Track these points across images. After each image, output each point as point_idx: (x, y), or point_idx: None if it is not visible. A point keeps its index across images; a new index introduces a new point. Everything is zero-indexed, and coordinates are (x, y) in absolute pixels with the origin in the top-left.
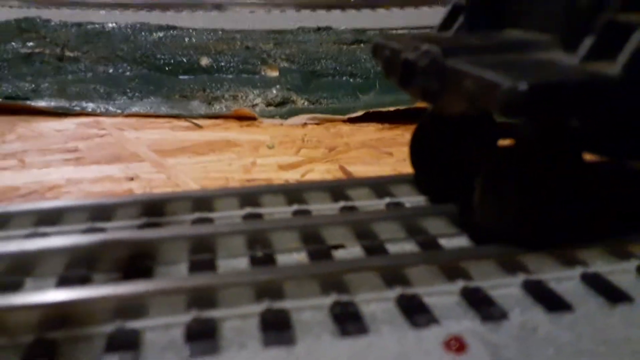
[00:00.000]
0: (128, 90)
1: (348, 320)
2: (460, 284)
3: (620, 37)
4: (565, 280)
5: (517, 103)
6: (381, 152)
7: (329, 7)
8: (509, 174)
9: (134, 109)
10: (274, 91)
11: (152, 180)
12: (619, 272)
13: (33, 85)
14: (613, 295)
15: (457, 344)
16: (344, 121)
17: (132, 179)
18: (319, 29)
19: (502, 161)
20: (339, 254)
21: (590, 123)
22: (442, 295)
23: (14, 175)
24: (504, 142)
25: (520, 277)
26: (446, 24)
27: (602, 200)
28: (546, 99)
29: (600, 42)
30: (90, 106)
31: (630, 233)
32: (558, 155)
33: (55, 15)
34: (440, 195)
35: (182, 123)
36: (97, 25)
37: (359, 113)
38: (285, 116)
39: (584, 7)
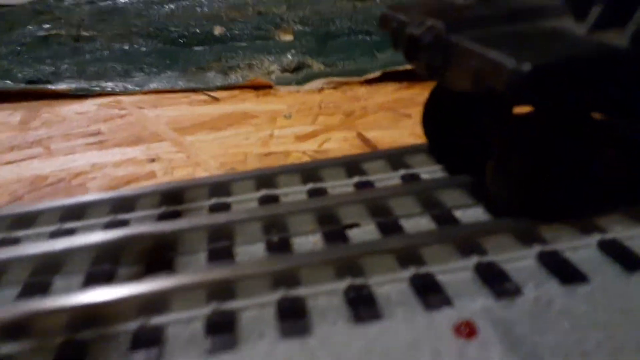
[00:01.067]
0: (145, 66)
1: (362, 305)
2: (474, 259)
3: (629, 5)
4: (581, 249)
5: (523, 84)
6: (399, 115)
7: None
8: (522, 145)
9: (152, 85)
10: (289, 56)
11: (172, 160)
12: (637, 237)
13: (53, 68)
14: (630, 262)
15: (467, 329)
16: (361, 83)
17: (153, 160)
18: None
19: (515, 133)
20: (353, 233)
21: (601, 93)
22: (455, 273)
23: (41, 164)
24: (519, 111)
25: (536, 249)
26: None
27: (618, 166)
28: (552, 79)
29: (609, 10)
30: (109, 85)
31: None
32: (571, 125)
33: None
34: (456, 164)
35: (200, 96)
36: (109, 2)
37: (377, 74)
38: (301, 82)
39: None
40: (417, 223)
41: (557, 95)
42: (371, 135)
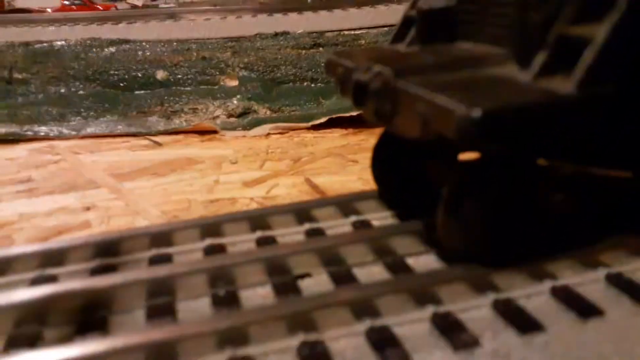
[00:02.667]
0: (82, 110)
1: None
2: (430, 309)
3: (573, 52)
4: (535, 296)
5: (472, 130)
6: (346, 160)
7: (285, 10)
8: (471, 192)
9: (90, 130)
10: (235, 101)
11: (109, 208)
12: (589, 283)
13: None
14: (583, 309)
15: None
16: (308, 129)
17: (88, 208)
18: (276, 34)
19: (464, 179)
20: (305, 284)
21: (551, 139)
22: (412, 324)
23: None
24: (466, 157)
25: (490, 297)
26: (399, 36)
27: (567, 211)
28: (501, 125)
29: (553, 57)
30: (43, 130)
31: (598, 241)
32: (518, 170)
33: (2, 35)
34: (407, 210)
35: (141, 141)
36: (45, 45)
37: (322, 120)
38: (247, 127)
39: (536, 21)
40: (370, 272)
41: (506, 140)
42: (319, 181)
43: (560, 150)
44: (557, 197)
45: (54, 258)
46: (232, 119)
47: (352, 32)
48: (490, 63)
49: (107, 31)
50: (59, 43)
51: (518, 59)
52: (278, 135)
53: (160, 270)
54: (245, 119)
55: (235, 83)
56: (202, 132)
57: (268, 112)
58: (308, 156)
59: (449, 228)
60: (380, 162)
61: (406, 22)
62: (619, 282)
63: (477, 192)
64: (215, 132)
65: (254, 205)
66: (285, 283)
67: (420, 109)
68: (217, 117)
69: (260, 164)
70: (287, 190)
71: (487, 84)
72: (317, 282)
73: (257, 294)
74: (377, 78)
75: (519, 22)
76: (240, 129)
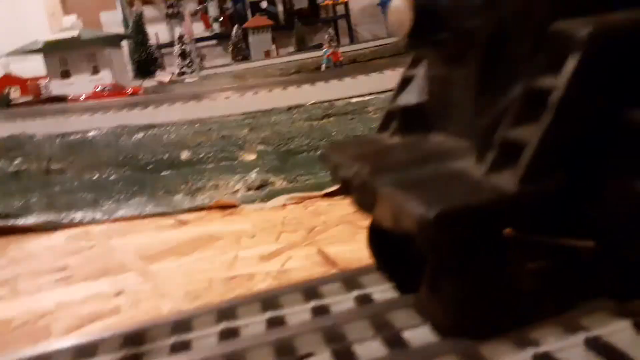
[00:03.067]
0: (113, 194)
1: None
2: None
3: (516, 152)
4: None
5: (430, 229)
6: (357, 227)
7: (299, 82)
8: (449, 269)
9: (120, 213)
10: (253, 175)
11: (138, 292)
12: (569, 348)
13: (22, 202)
14: None
15: None
16: (322, 197)
17: (119, 294)
18: (289, 108)
19: (442, 258)
20: None
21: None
22: None
23: (7, 306)
24: None
25: None
26: (384, 126)
27: (544, 279)
28: (454, 222)
29: (499, 156)
30: (78, 216)
31: (577, 305)
32: (492, 246)
33: (39, 126)
34: (404, 283)
35: (167, 221)
36: (79, 135)
37: (334, 187)
38: (265, 199)
39: (484, 125)
40: (369, 348)
41: (461, 236)
42: (331, 250)
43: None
44: (530, 267)
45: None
46: (251, 192)
47: (362, 99)
48: (453, 157)
49: (136, 116)
50: (91, 133)
51: (477, 153)
52: (294, 205)
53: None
54: (263, 191)
55: (253, 157)
56: (223, 207)
57: (284, 183)
58: (321, 225)
59: (432, 305)
60: (374, 240)
61: (389, 115)
62: (596, 345)
63: (452, 271)
64: (235, 206)
65: (269, 281)
66: None
67: (391, 207)
68: (237, 191)
69: (277, 237)
70: (301, 262)
71: (445, 182)
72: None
73: None
74: (357, 176)
75: (473, 124)
76: (258, 201)
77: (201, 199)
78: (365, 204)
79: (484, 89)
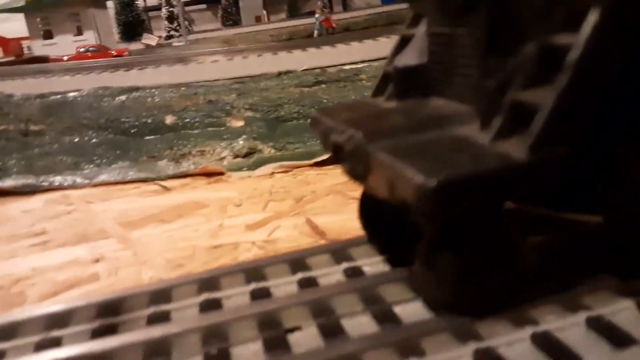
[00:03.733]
0: (95, 158)
1: None
2: None
3: (526, 116)
4: (516, 343)
5: (430, 199)
6: (347, 198)
7: (290, 48)
8: (446, 243)
9: (102, 178)
10: (241, 142)
11: (118, 259)
12: (569, 327)
13: (0, 164)
14: (563, 356)
15: None
16: (311, 166)
17: (97, 260)
18: (280, 74)
19: (438, 231)
20: (294, 338)
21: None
22: None
23: None
24: None
25: (471, 347)
26: (379, 89)
27: (547, 255)
28: (457, 192)
29: (509, 120)
30: (57, 180)
31: (579, 283)
32: (492, 220)
33: (19, 86)
34: (396, 256)
35: (150, 187)
36: (59, 96)
37: (325, 157)
38: (252, 167)
39: (491, 88)
40: (359, 322)
41: (464, 206)
42: (320, 221)
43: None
44: (533, 241)
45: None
46: (238, 159)
47: (354, 67)
48: (455, 123)
49: (120, 78)
50: (71, 94)
51: (481, 119)
52: (282, 174)
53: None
54: (250, 159)
55: (241, 123)
56: (209, 175)
57: (272, 151)
58: (310, 195)
59: (426, 280)
60: (366, 211)
61: (385, 78)
62: (598, 325)
63: (451, 244)
64: (222, 173)
65: (255, 250)
66: (275, 337)
67: (386, 174)
68: (224, 158)
69: (264, 205)
70: (288, 232)
71: (447, 149)
72: (306, 336)
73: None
74: (350, 141)
75: (478, 86)
76: (245, 169)
77: (186, 165)
78: (357, 171)
79: (491, 47)
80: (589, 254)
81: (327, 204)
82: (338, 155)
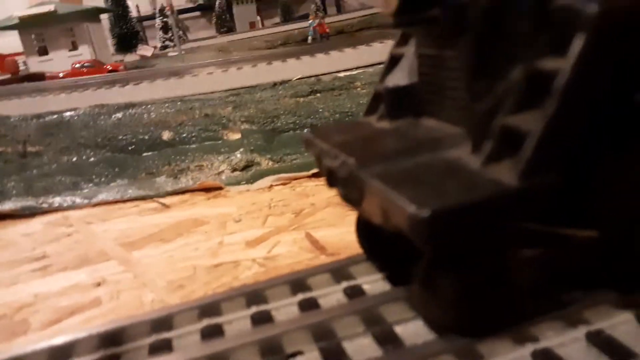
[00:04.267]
0: (93, 177)
1: None
2: None
3: (516, 141)
4: None
5: (423, 228)
6: (345, 210)
7: (284, 57)
8: (442, 266)
9: (101, 197)
10: (238, 155)
11: (118, 282)
12: (569, 343)
13: None
14: None
15: None
16: (309, 177)
17: (99, 284)
18: (275, 84)
19: (435, 255)
20: None
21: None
22: None
23: None
24: None
25: None
26: (371, 109)
27: (545, 271)
28: (449, 221)
29: (499, 145)
30: (57, 201)
31: (578, 299)
32: (487, 245)
33: (15, 106)
34: (395, 274)
35: (150, 204)
36: (55, 116)
37: None
38: (251, 180)
39: (481, 111)
40: (360, 345)
41: (457, 233)
42: (320, 235)
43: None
44: (530, 257)
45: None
46: (237, 173)
47: (349, 74)
48: (447, 145)
49: (115, 94)
50: (68, 114)
51: (472, 142)
52: (281, 186)
53: None
54: (248, 172)
55: (237, 136)
56: (208, 190)
57: (270, 163)
58: (309, 208)
59: (425, 301)
60: (363, 229)
61: (376, 97)
62: (598, 339)
63: (448, 265)
64: (220, 188)
65: (255, 268)
66: None
67: (380, 202)
68: (222, 172)
69: (263, 220)
70: (288, 248)
71: (439, 175)
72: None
73: None
74: (343, 167)
75: (468, 109)
76: (244, 182)
77: (185, 180)
78: (352, 197)
79: (479, 71)
80: (587, 268)
81: (326, 217)
82: (332, 180)
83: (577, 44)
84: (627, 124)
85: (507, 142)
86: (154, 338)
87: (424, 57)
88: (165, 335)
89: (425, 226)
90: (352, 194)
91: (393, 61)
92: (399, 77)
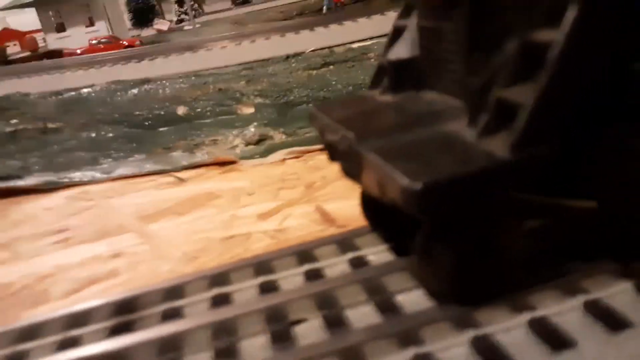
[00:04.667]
0: (112, 152)
1: None
2: (412, 351)
3: (510, 114)
4: (513, 330)
5: (416, 201)
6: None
7: (297, 28)
8: (442, 234)
9: (119, 171)
10: (252, 129)
11: (136, 254)
12: (566, 312)
13: (22, 163)
14: (559, 341)
15: None
16: (321, 150)
17: (117, 256)
18: (287, 57)
19: (432, 226)
20: (299, 331)
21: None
22: None
23: (7, 270)
24: None
25: (469, 334)
26: (375, 81)
27: (543, 241)
28: (442, 193)
29: (494, 118)
30: (77, 176)
31: (578, 267)
32: (483, 214)
33: (35, 83)
34: (399, 245)
35: (166, 178)
36: (73, 93)
37: None
38: (264, 154)
39: (477, 86)
40: (362, 313)
41: (451, 206)
42: (330, 207)
43: (510, 203)
44: (528, 227)
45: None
46: (250, 147)
47: (362, 44)
48: (445, 119)
49: (132, 70)
50: (85, 90)
51: (469, 115)
52: (293, 160)
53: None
54: (262, 146)
55: (251, 110)
56: (222, 164)
57: (283, 137)
58: (320, 181)
59: (424, 270)
60: (368, 202)
61: (380, 70)
62: (595, 309)
63: (445, 236)
64: (234, 162)
65: (266, 240)
66: (280, 331)
67: (376, 175)
68: (236, 146)
69: (275, 193)
70: (299, 221)
71: (435, 149)
72: (311, 328)
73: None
74: (343, 141)
75: (464, 83)
76: (257, 156)
77: (200, 155)
78: (351, 171)
79: (475, 43)
80: (586, 238)
81: (336, 190)
82: (333, 154)
83: (570, 15)
84: (623, 93)
85: (502, 115)
86: (166, 306)
87: (424, 30)
88: (177, 303)
89: (418, 199)
90: (351, 167)
91: (396, 33)
92: (402, 50)
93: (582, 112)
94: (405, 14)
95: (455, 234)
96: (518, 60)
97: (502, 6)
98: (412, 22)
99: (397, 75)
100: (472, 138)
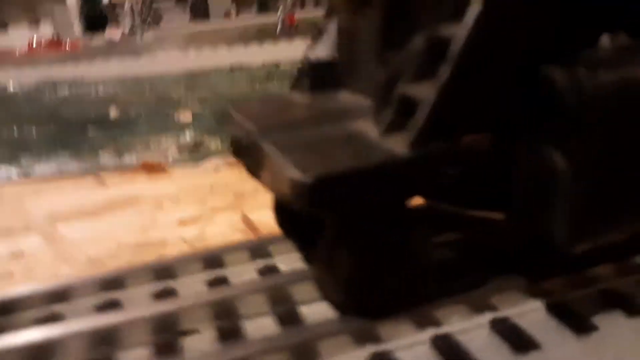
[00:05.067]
0: (34, 151)
1: None
2: None
3: (413, 111)
4: (415, 346)
5: (304, 196)
6: None
7: (246, 40)
8: (342, 244)
9: (39, 171)
10: (187, 136)
11: (37, 256)
12: (472, 329)
13: None
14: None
15: None
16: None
17: (16, 257)
18: (232, 69)
19: (335, 231)
20: (188, 343)
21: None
22: None
23: None
24: None
25: (369, 349)
26: (297, 83)
27: (453, 253)
28: (333, 189)
29: (397, 115)
30: None
31: (487, 284)
32: (392, 218)
33: None
34: (311, 254)
35: (88, 181)
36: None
37: None
38: (197, 161)
39: (382, 81)
40: (260, 324)
41: (342, 204)
42: (256, 216)
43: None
44: (439, 239)
45: None
46: (184, 153)
47: None
48: (355, 117)
49: (66, 71)
50: (12, 89)
51: (375, 113)
52: (227, 169)
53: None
54: (196, 153)
55: (188, 117)
56: (151, 168)
57: (219, 145)
58: (252, 190)
59: (326, 280)
60: (277, 207)
61: (301, 71)
62: (502, 327)
63: (347, 242)
64: (163, 167)
65: (182, 247)
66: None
67: (270, 169)
68: (169, 151)
69: (202, 201)
70: (221, 228)
71: (336, 144)
72: (201, 340)
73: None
74: (247, 136)
75: (371, 80)
76: (189, 163)
77: (129, 159)
78: (252, 166)
79: (388, 41)
80: (497, 253)
81: (266, 199)
82: (236, 150)
83: (474, 9)
84: (532, 98)
85: (405, 112)
86: (45, 311)
87: (342, 30)
88: (58, 308)
89: (309, 193)
90: (252, 163)
91: (319, 34)
92: (321, 50)
93: (488, 114)
94: (327, 15)
95: (355, 239)
96: (424, 55)
97: (414, 2)
98: (333, 24)
99: (315, 76)
100: (376, 135)
